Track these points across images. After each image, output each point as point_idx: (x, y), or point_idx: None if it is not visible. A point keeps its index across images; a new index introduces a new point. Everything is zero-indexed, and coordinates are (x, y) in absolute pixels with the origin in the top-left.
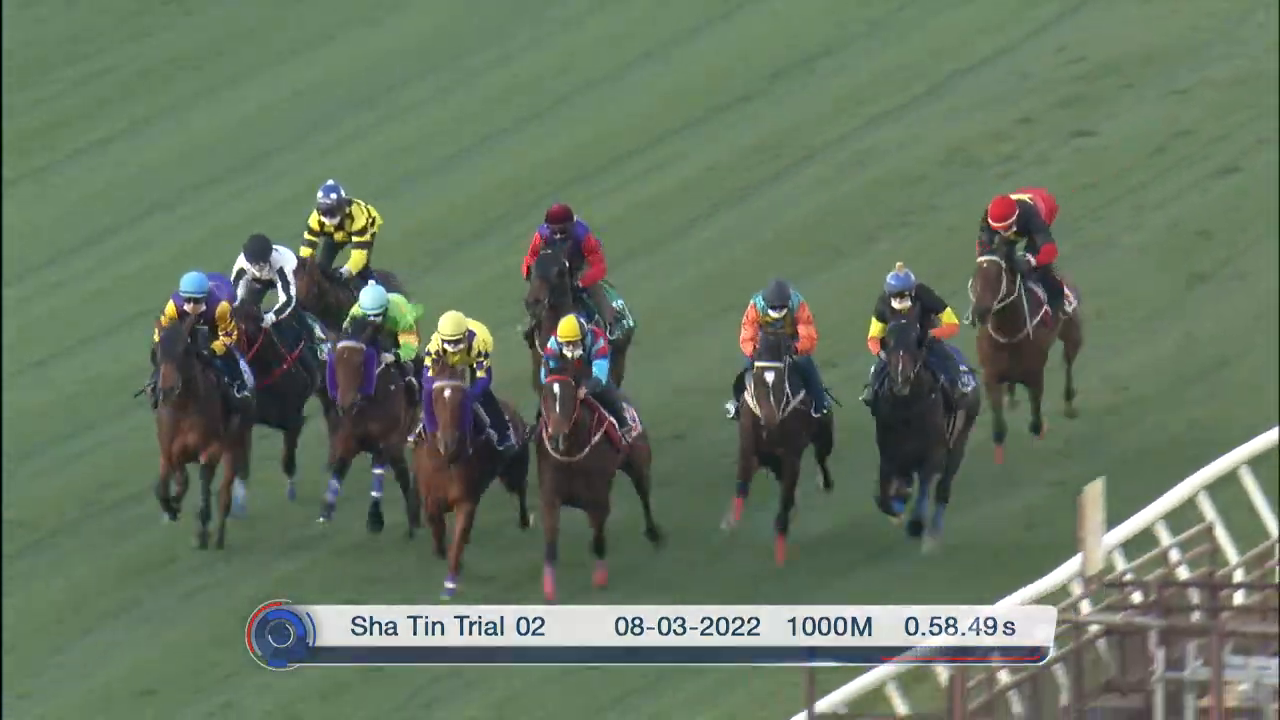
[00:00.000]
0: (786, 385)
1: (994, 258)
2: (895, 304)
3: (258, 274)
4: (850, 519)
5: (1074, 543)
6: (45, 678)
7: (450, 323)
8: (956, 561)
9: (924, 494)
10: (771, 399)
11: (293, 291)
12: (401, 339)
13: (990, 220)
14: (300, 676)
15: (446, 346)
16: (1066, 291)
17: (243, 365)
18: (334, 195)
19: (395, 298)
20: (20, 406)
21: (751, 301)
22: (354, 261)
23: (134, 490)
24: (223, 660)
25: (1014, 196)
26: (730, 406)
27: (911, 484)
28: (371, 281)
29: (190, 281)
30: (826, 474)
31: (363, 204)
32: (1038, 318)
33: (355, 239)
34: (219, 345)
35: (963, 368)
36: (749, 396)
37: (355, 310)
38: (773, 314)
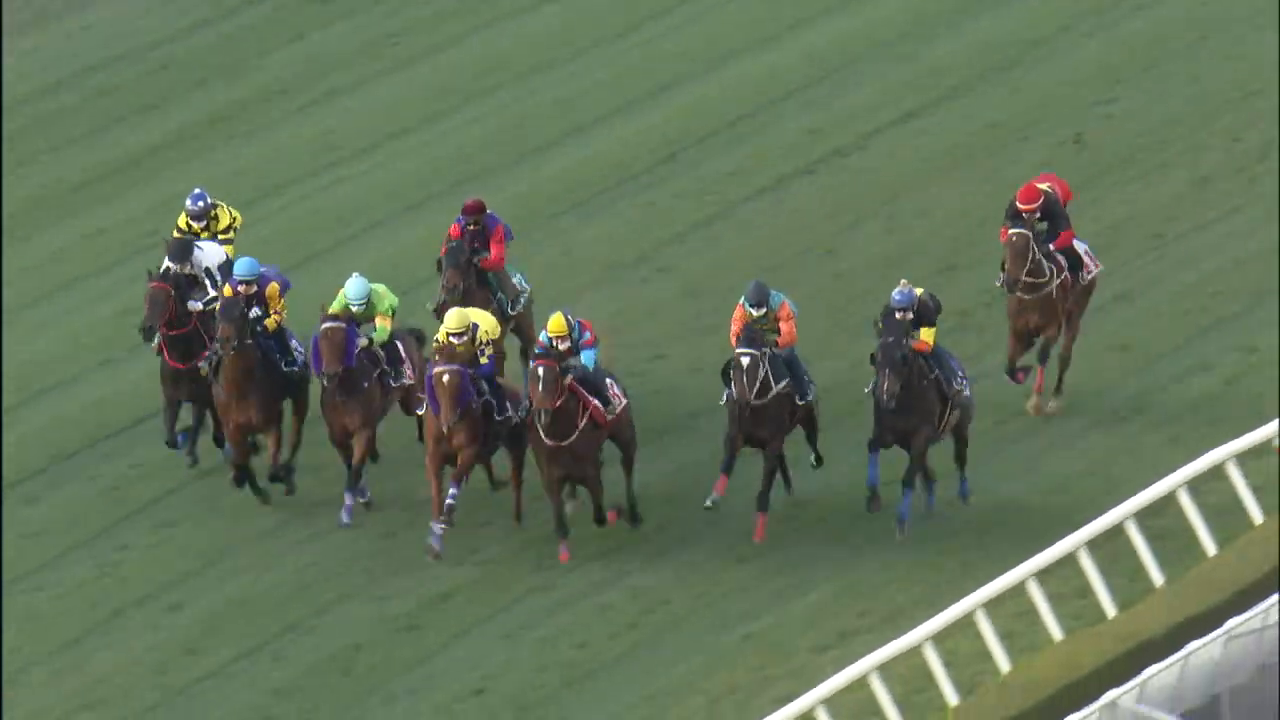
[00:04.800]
0: (763, 370)
1: (1023, 230)
2: (898, 316)
3: (179, 270)
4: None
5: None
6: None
7: (454, 318)
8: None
9: (918, 462)
10: (745, 380)
11: (219, 289)
12: (378, 321)
13: (1018, 204)
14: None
15: (452, 339)
16: (1086, 261)
17: (294, 343)
18: (200, 202)
19: (377, 286)
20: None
21: (739, 302)
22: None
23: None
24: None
25: (1038, 185)
26: (725, 392)
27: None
28: (355, 274)
29: (242, 266)
30: (817, 454)
31: (226, 206)
32: (1059, 279)
33: (220, 237)
34: (271, 322)
35: (958, 371)
36: (732, 382)
37: (339, 299)
38: (754, 312)
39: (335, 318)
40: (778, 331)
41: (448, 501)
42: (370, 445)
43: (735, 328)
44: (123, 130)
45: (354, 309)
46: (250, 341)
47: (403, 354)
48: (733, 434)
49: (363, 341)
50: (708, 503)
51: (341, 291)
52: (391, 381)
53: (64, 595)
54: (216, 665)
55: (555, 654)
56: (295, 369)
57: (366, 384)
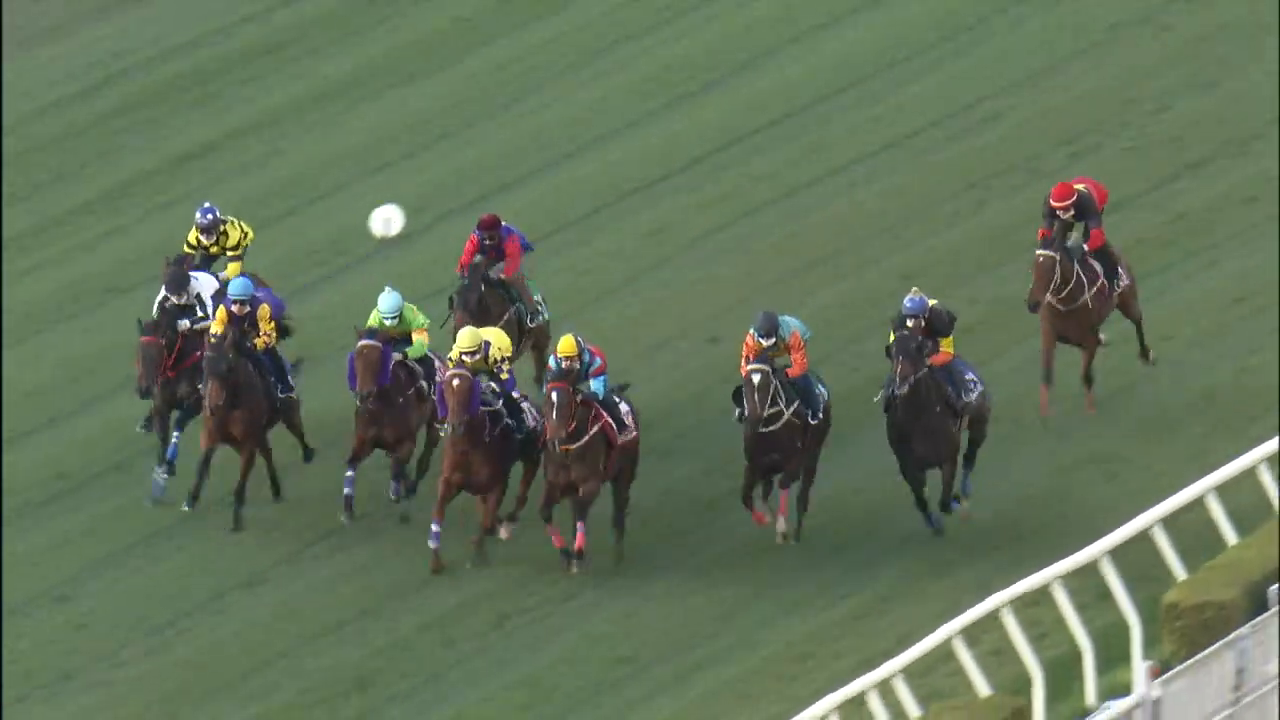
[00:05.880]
0: (774, 386)
1: (1049, 252)
2: (909, 324)
3: (177, 300)
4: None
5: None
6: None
7: (466, 337)
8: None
9: (947, 489)
10: (757, 397)
11: (210, 312)
12: (414, 337)
13: (1052, 202)
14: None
15: (465, 358)
16: (1120, 271)
17: (288, 369)
18: (209, 216)
19: (408, 304)
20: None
21: (749, 331)
22: (230, 271)
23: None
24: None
25: (1073, 185)
26: (737, 410)
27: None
28: (387, 288)
29: (236, 286)
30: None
31: (236, 222)
32: (1094, 289)
33: (230, 253)
34: (260, 342)
35: (969, 376)
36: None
37: (374, 316)
38: (764, 342)
39: (372, 334)
40: (789, 362)
41: (487, 538)
42: (409, 455)
43: (746, 368)
44: (125, 155)
45: (387, 323)
46: (244, 362)
47: (438, 369)
48: (751, 463)
49: (397, 356)
50: (779, 534)
51: (376, 308)
52: (431, 395)
53: (66, 620)
54: (223, 687)
55: (558, 670)
56: (291, 394)
57: (401, 399)
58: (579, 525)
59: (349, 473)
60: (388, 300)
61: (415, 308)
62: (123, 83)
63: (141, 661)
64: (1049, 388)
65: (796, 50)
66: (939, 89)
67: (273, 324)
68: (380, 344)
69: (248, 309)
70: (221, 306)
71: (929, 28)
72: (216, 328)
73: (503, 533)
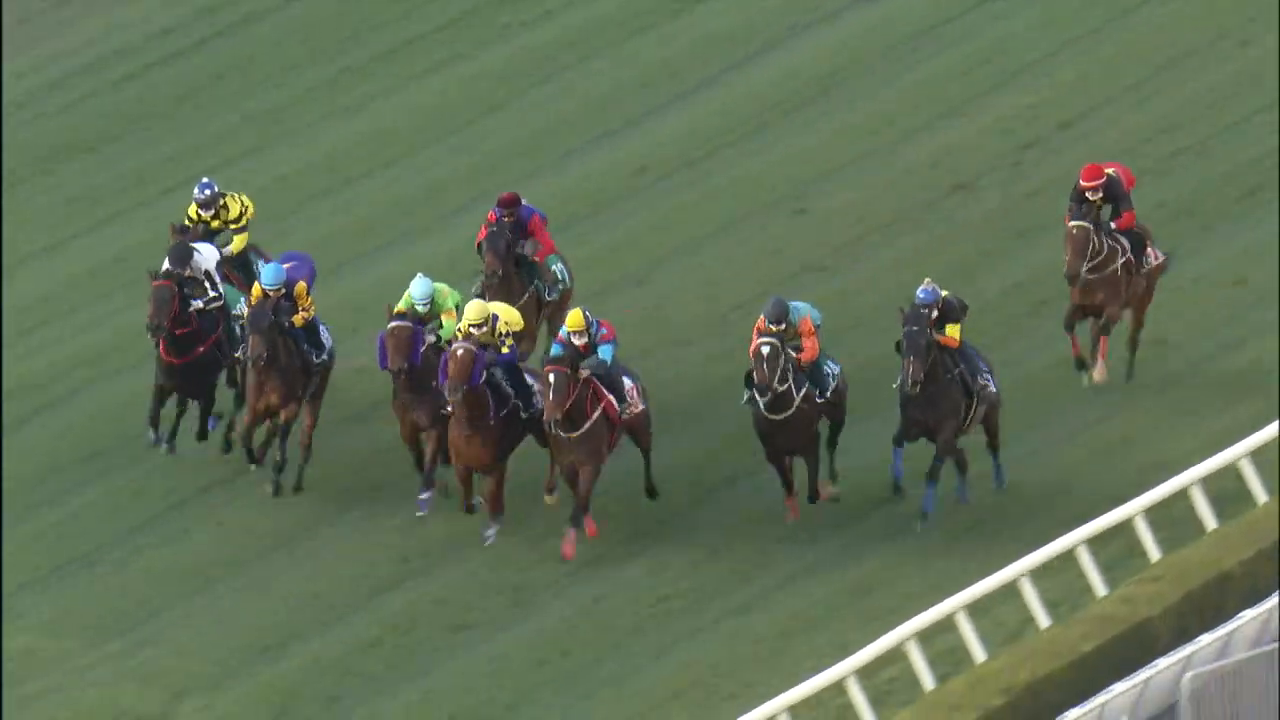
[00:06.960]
0: (784, 360)
1: (1083, 223)
2: (924, 313)
3: (180, 273)
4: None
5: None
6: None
7: (474, 310)
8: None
9: (938, 458)
10: (766, 367)
11: (220, 288)
12: (444, 319)
13: (1081, 183)
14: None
15: (473, 330)
16: (1150, 249)
17: (323, 333)
18: (208, 191)
19: (439, 286)
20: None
21: (760, 316)
22: (235, 245)
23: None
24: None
25: (1103, 168)
26: (746, 394)
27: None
28: (419, 275)
29: (269, 275)
30: (833, 469)
31: (236, 195)
32: (1122, 260)
33: (233, 226)
34: (299, 319)
35: (983, 367)
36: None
37: (405, 299)
38: (774, 328)
39: (402, 316)
40: (800, 347)
41: (488, 536)
42: (441, 442)
43: (756, 341)
44: (131, 144)
45: (419, 308)
46: (280, 336)
47: None
48: (769, 456)
49: (430, 339)
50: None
51: (407, 292)
52: None
53: (67, 607)
54: (222, 676)
55: (554, 647)
56: (325, 359)
57: (435, 384)
58: (571, 530)
59: (423, 494)
60: (420, 286)
61: (446, 289)
62: (130, 72)
63: (151, 643)
64: (1075, 337)
65: None
66: None
67: (310, 299)
68: (411, 323)
69: (282, 292)
70: (257, 285)
71: None
72: (253, 300)
73: (548, 499)
